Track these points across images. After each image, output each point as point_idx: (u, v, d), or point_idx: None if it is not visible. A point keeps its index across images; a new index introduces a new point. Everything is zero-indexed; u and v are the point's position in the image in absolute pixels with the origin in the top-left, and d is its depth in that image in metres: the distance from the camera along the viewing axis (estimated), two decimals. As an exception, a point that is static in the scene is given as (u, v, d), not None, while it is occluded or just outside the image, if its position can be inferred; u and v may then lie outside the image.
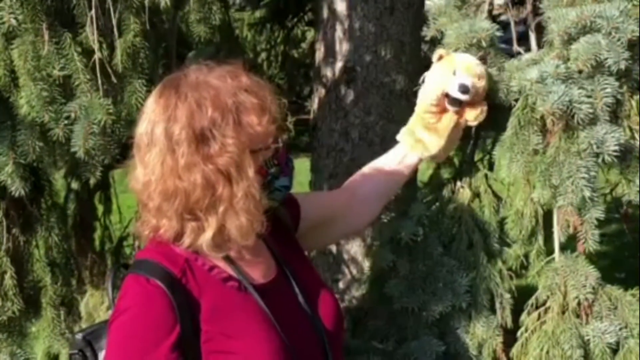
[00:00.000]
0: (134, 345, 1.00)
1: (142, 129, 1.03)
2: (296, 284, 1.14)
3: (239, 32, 4.83)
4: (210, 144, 1.01)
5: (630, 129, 1.31)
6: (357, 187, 1.38)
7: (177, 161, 1.00)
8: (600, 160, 1.25)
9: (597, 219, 1.31)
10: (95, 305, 2.05)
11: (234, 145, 1.00)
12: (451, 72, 1.29)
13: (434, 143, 1.34)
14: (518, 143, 1.31)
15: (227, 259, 1.07)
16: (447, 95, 1.29)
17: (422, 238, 1.50)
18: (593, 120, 1.25)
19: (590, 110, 1.23)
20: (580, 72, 1.27)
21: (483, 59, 1.35)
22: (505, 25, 1.70)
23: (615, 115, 1.29)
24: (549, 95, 1.22)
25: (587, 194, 1.24)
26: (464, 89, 1.26)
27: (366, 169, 1.40)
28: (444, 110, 1.32)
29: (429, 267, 1.48)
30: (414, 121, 1.37)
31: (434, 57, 1.34)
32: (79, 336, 1.14)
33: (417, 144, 1.35)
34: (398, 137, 1.39)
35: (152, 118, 1.02)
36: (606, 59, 1.22)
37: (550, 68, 1.25)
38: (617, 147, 1.24)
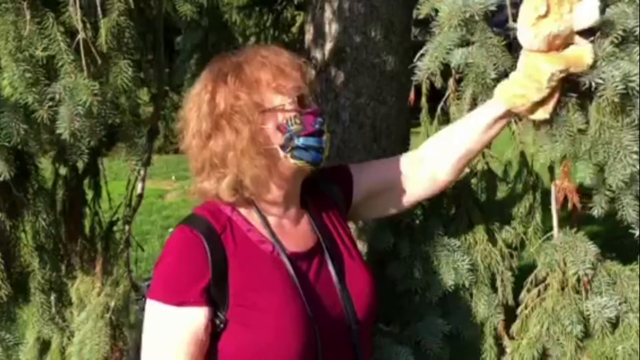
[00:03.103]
0: (171, 284, 1.13)
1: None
2: (333, 259, 1.20)
3: (228, 16, 4.77)
4: (221, 95, 1.15)
5: None
6: (424, 150, 1.37)
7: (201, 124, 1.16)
8: None
9: (586, 201, 1.30)
10: (86, 290, 2.03)
11: (242, 99, 1.13)
12: (567, 11, 1.16)
13: (554, 102, 1.21)
14: (560, 124, 1.24)
15: (266, 224, 1.18)
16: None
17: (422, 219, 1.49)
18: (636, 93, 1.20)
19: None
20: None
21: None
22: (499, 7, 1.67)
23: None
24: (607, 77, 1.16)
25: (637, 168, 1.21)
26: (602, 7, 1.16)
27: (445, 130, 1.38)
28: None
29: (430, 247, 1.47)
30: (531, 87, 1.21)
31: (543, 8, 1.16)
32: (144, 284, 1.28)
33: (533, 108, 1.22)
34: (502, 100, 1.26)
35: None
36: (633, 27, 1.18)
37: (595, 48, 1.18)
38: None
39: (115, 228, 2.15)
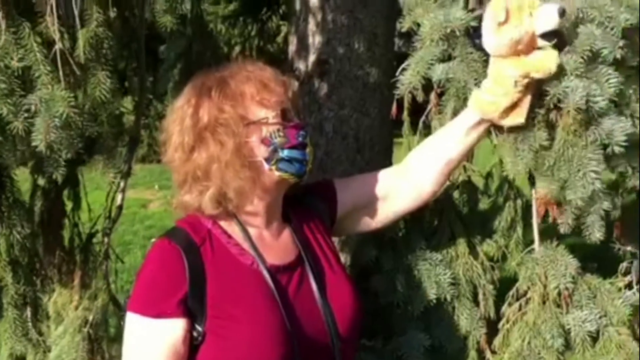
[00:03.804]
0: (148, 297, 1.14)
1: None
2: (314, 273, 1.20)
3: (213, 25, 4.77)
4: (205, 108, 1.15)
5: (632, 117, 1.29)
6: (407, 163, 1.37)
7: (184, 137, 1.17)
8: (608, 151, 1.23)
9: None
10: (63, 304, 1.99)
11: (227, 112, 1.14)
12: (527, 15, 1.19)
13: (526, 107, 1.23)
14: (524, 139, 1.27)
15: (247, 236, 1.18)
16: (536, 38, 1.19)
17: (405, 232, 1.49)
18: (600, 112, 1.23)
19: (605, 103, 1.20)
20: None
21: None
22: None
23: (615, 104, 1.27)
24: (569, 93, 1.19)
25: (598, 186, 1.23)
26: (562, 11, 1.18)
27: (426, 142, 1.38)
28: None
29: (413, 261, 1.47)
30: (498, 93, 1.24)
31: (502, 14, 1.19)
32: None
33: (504, 114, 1.24)
34: (475, 108, 1.28)
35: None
36: (601, 48, 1.20)
37: (562, 61, 1.21)
38: (624, 138, 1.22)
39: (94, 240, 2.12)
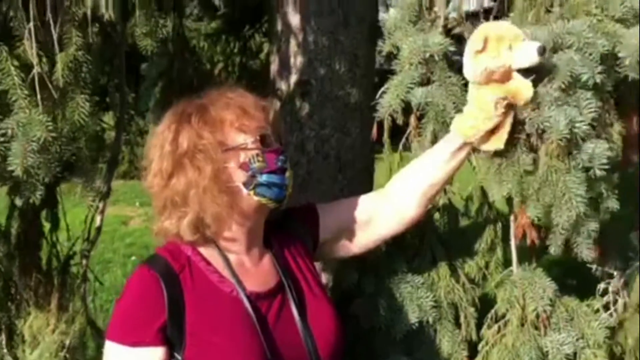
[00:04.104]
0: (126, 325, 1.14)
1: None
2: (296, 299, 1.20)
3: (196, 42, 4.77)
4: (184, 135, 1.16)
5: (608, 140, 1.31)
6: (389, 187, 1.38)
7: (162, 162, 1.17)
8: (590, 174, 1.25)
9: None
10: (40, 327, 1.95)
11: (206, 138, 1.15)
12: (506, 48, 1.21)
13: (505, 132, 1.25)
14: (508, 165, 1.29)
15: (227, 263, 1.18)
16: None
17: (386, 255, 1.50)
18: (582, 137, 1.25)
19: (586, 127, 1.22)
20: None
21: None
22: (459, 38, 1.71)
23: (593, 127, 1.29)
24: (553, 123, 1.20)
25: (582, 209, 1.24)
26: (542, 50, 1.19)
27: (408, 166, 1.39)
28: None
29: (394, 284, 1.47)
30: (479, 117, 1.26)
31: (479, 44, 1.22)
32: None
33: (484, 138, 1.26)
34: (456, 133, 1.30)
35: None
36: (580, 74, 1.22)
37: (543, 92, 1.23)
38: (605, 161, 1.24)
39: (72, 261, 2.09)
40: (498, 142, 1.27)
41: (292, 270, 1.25)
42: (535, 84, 1.23)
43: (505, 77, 1.23)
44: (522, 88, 1.22)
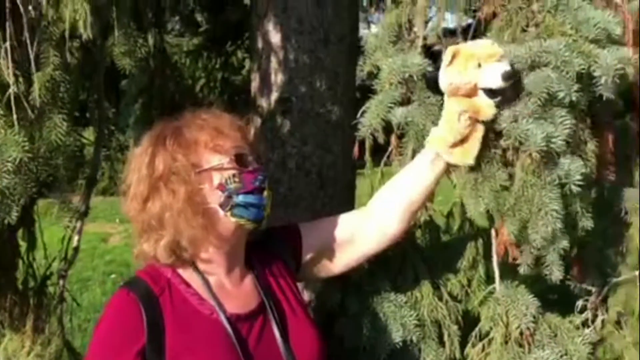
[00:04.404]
0: (105, 348, 1.13)
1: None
2: (277, 320, 1.18)
3: (177, 58, 4.76)
4: (160, 158, 1.15)
5: (582, 157, 1.33)
6: (371, 204, 1.38)
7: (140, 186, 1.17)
8: (565, 190, 1.26)
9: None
10: (14, 350, 1.90)
11: (179, 161, 1.14)
12: (475, 66, 1.22)
13: (474, 147, 1.27)
14: (484, 181, 1.29)
15: (207, 285, 1.17)
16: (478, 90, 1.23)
17: (369, 274, 1.49)
18: (558, 152, 1.26)
19: (562, 143, 1.24)
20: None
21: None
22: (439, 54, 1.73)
23: (568, 144, 1.31)
24: (530, 136, 1.21)
25: (559, 225, 1.25)
26: (507, 76, 1.20)
27: (388, 183, 1.39)
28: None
29: (378, 303, 1.47)
30: (445, 128, 1.28)
31: (447, 58, 1.24)
32: None
33: (456, 154, 1.27)
34: (428, 147, 1.32)
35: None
36: (557, 91, 1.24)
37: (521, 107, 1.24)
38: (581, 177, 1.26)
39: (49, 282, 2.05)
40: (467, 157, 1.28)
41: (273, 290, 1.25)
42: (509, 101, 1.24)
43: (472, 93, 1.25)
44: (483, 107, 1.24)
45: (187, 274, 1.19)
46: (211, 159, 1.16)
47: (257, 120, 2.24)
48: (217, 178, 1.16)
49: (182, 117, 1.22)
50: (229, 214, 1.16)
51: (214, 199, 1.16)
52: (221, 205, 1.16)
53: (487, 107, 1.24)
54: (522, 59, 1.26)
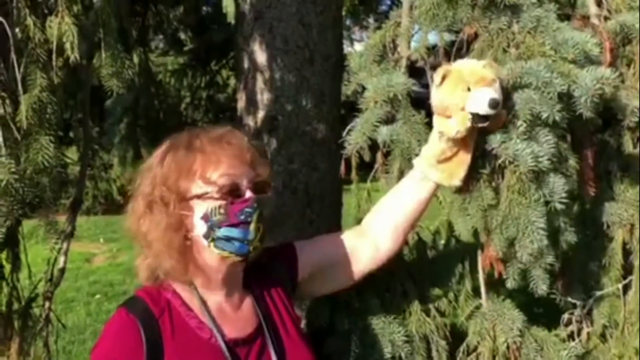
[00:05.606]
0: None
1: None
2: (275, 343, 1.18)
3: (162, 76, 4.76)
4: (156, 179, 1.15)
5: (566, 175, 1.35)
6: (364, 223, 1.38)
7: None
8: (549, 207, 1.28)
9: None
10: (-2, 374, 1.87)
11: (167, 186, 1.13)
12: (463, 89, 1.23)
13: (461, 169, 1.28)
14: (472, 200, 1.31)
15: (206, 309, 1.16)
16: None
17: (357, 291, 1.49)
18: (544, 171, 1.28)
19: (548, 162, 1.26)
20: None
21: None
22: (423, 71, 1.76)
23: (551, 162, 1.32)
24: (520, 155, 1.23)
25: (545, 242, 1.27)
26: (493, 104, 1.20)
27: (379, 202, 1.39)
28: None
29: (367, 321, 1.47)
30: (429, 147, 1.29)
31: (438, 79, 1.25)
32: None
33: (442, 173, 1.28)
34: (416, 165, 1.32)
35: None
36: (540, 112, 1.26)
37: (510, 127, 1.26)
38: (565, 195, 1.28)
39: (34, 304, 2.02)
40: (454, 178, 1.29)
41: (271, 312, 1.24)
42: (496, 124, 1.26)
43: (460, 114, 1.26)
44: (449, 127, 1.24)
45: (188, 296, 1.18)
46: (199, 188, 1.14)
47: (261, 153, 2.24)
48: (202, 208, 1.14)
49: (193, 133, 1.19)
50: (211, 245, 1.14)
51: (199, 229, 1.15)
52: (204, 236, 1.14)
53: (450, 128, 1.24)
54: (504, 80, 1.29)
